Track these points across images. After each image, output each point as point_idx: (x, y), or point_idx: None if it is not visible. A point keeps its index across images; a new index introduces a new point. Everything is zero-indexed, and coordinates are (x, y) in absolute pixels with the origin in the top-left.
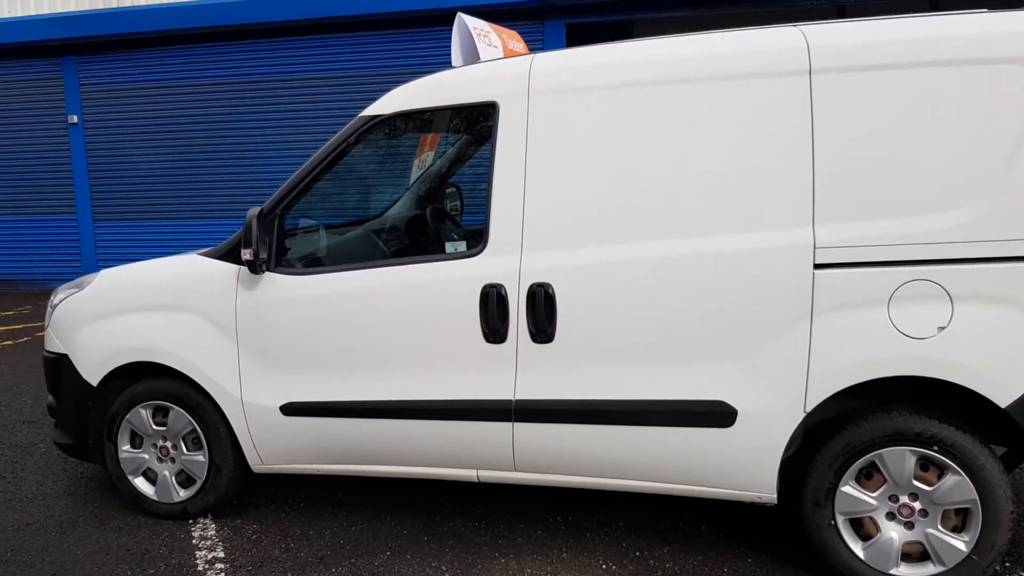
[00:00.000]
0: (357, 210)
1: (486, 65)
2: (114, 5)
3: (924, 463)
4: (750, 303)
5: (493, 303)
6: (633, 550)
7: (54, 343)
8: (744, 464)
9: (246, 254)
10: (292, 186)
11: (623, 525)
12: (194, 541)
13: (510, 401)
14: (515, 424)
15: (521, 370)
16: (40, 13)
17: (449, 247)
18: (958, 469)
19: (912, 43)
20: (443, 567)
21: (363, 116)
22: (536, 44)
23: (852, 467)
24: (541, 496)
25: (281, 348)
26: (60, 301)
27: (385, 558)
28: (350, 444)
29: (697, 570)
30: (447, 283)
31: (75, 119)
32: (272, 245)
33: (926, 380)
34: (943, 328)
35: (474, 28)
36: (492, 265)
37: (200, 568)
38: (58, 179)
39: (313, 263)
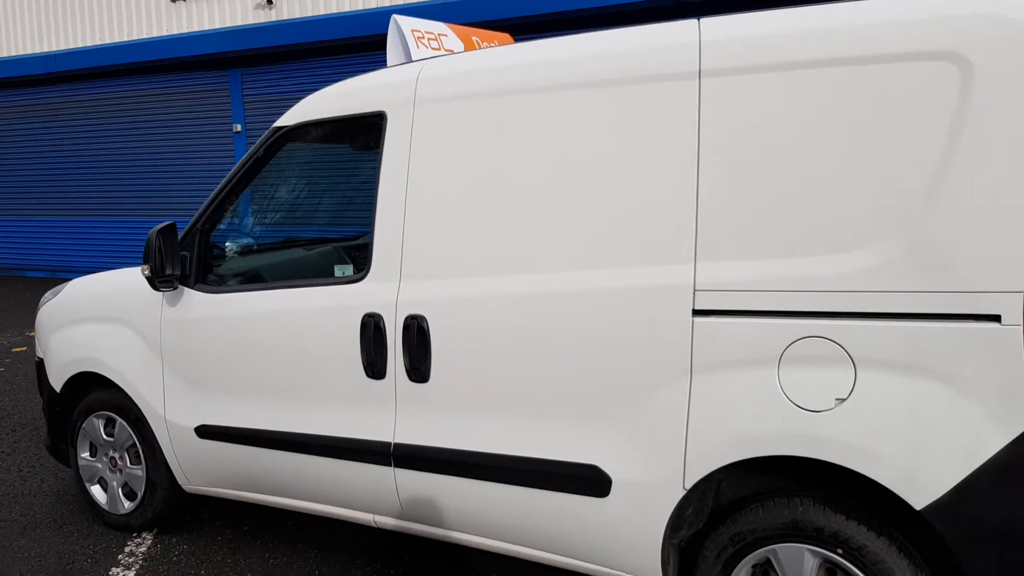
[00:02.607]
0: (295, 226)
1: (382, 71)
2: (274, 19)
3: (830, 568)
4: (624, 353)
5: (370, 335)
6: None
7: (37, 347)
8: (623, 541)
9: (144, 270)
10: (210, 201)
11: None
12: (120, 556)
13: (389, 444)
14: (396, 469)
15: (400, 410)
16: (210, 28)
17: (337, 270)
18: None
19: (818, 36)
20: None
21: (273, 127)
22: None
23: (744, 562)
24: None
25: (195, 368)
26: (42, 307)
27: None
28: (254, 473)
29: None
30: (331, 310)
31: (239, 127)
32: (191, 261)
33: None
34: (842, 400)
35: (413, 30)
36: (373, 292)
37: None
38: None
39: (231, 282)
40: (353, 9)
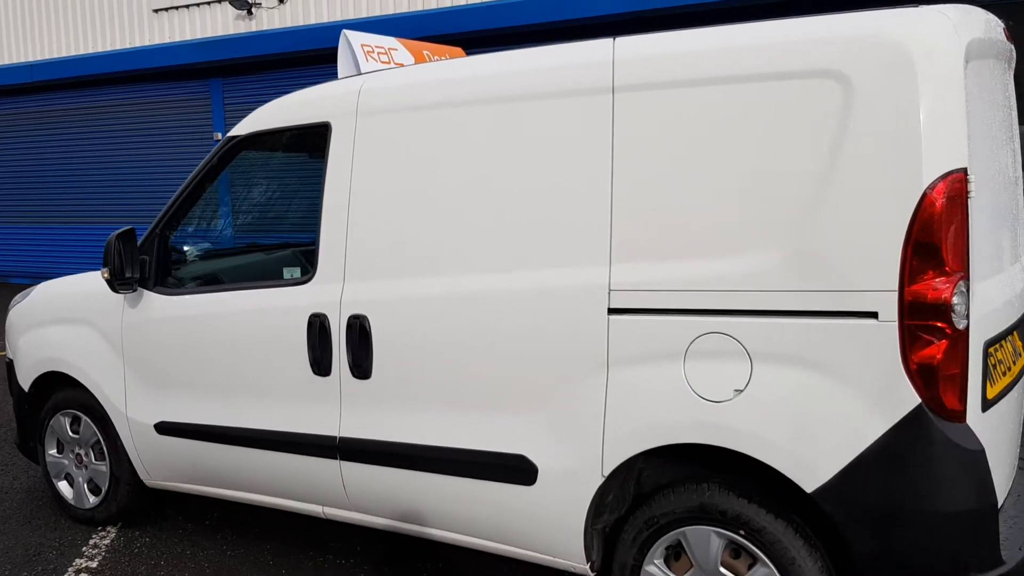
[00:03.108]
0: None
1: (328, 84)
2: (253, 29)
3: (735, 549)
4: (547, 349)
5: (316, 334)
6: None
7: (7, 349)
8: (549, 526)
9: (104, 273)
10: (168, 207)
11: None
12: (84, 549)
13: (335, 438)
14: (341, 462)
15: (344, 406)
16: (192, 38)
17: (286, 272)
18: (767, 561)
19: (717, 54)
20: None
21: (227, 136)
22: None
23: (657, 544)
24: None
25: (154, 366)
26: (11, 309)
27: None
28: (210, 468)
29: None
30: (280, 311)
31: (219, 136)
32: (151, 264)
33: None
34: (740, 391)
35: (362, 44)
36: (319, 293)
37: (67, 573)
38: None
39: (188, 284)
40: (331, 20)
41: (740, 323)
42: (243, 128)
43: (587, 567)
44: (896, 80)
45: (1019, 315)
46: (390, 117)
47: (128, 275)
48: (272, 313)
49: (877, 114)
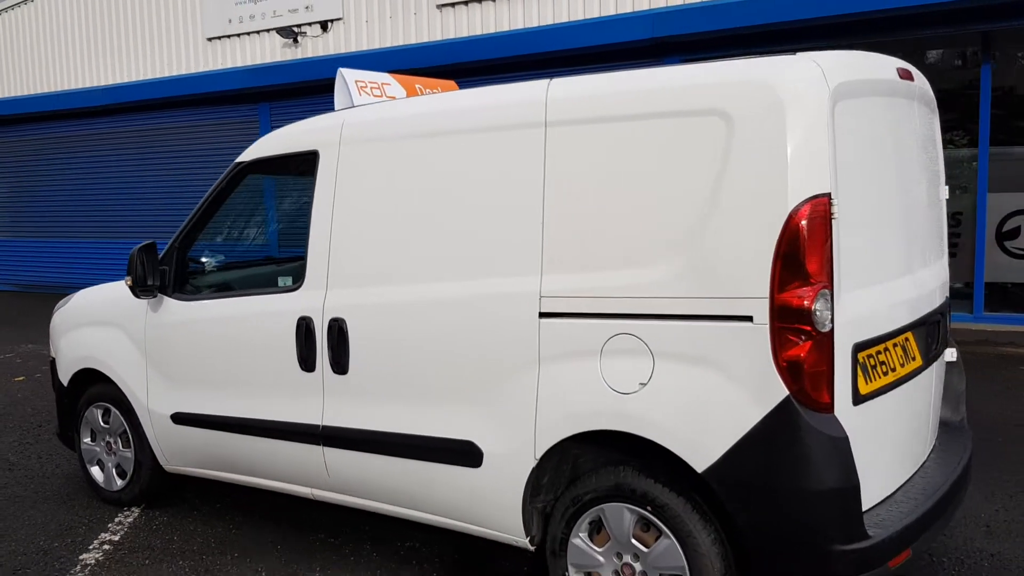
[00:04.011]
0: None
1: (319, 117)
2: (299, 56)
3: (645, 523)
4: (491, 348)
5: (302, 334)
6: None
7: (51, 348)
8: (493, 505)
9: (127, 281)
10: (186, 224)
11: (458, 559)
12: (109, 525)
13: (319, 426)
14: (324, 448)
15: (327, 398)
16: (242, 64)
17: (280, 281)
18: (669, 533)
19: (628, 95)
20: (261, 568)
21: (234, 162)
22: None
23: (581, 519)
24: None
25: (172, 363)
26: (55, 313)
27: (231, 558)
28: (217, 453)
29: None
30: (274, 314)
31: None
32: (170, 274)
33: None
34: (644, 384)
35: (356, 80)
36: (306, 299)
37: (92, 547)
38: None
39: (203, 291)
40: (370, 48)
41: (644, 325)
42: (248, 155)
43: (527, 541)
44: (768, 118)
45: (910, 320)
46: (366, 147)
47: (150, 283)
48: (268, 316)
49: (753, 147)
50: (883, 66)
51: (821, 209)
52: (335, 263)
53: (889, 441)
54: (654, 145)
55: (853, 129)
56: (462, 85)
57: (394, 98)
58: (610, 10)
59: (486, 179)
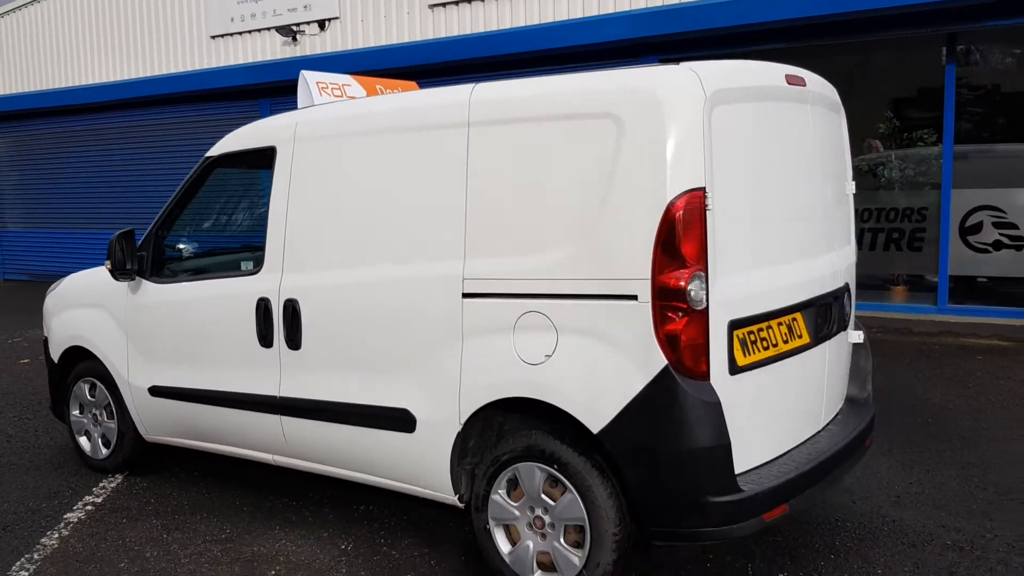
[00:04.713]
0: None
1: (279, 115)
2: (297, 54)
3: (553, 480)
4: (422, 325)
5: (261, 314)
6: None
7: (44, 328)
8: (426, 466)
9: (107, 265)
10: (162, 213)
11: (406, 519)
12: (94, 489)
13: (276, 397)
14: (281, 417)
15: (283, 371)
16: (244, 62)
17: (243, 265)
18: (571, 488)
19: (531, 100)
20: (227, 527)
21: (204, 156)
22: None
23: (500, 477)
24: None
25: (148, 340)
26: (47, 296)
27: (200, 518)
28: (189, 423)
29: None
30: (237, 296)
31: None
32: (148, 259)
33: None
34: (549, 356)
35: (318, 82)
36: (265, 282)
37: (76, 508)
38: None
39: (176, 275)
40: (365, 46)
41: (549, 304)
42: (216, 150)
43: (455, 499)
44: (651, 121)
45: (796, 301)
46: (317, 144)
47: (128, 267)
48: (232, 298)
49: (639, 146)
50: (769, 73)
51: (696, 201)
52: (290, 249)
53: (771, 409)
54: (557, 144)
55: (732, 130)
56: (452, 82)
57: (353, 97)
58: (594, 10)
59: (419, 173)
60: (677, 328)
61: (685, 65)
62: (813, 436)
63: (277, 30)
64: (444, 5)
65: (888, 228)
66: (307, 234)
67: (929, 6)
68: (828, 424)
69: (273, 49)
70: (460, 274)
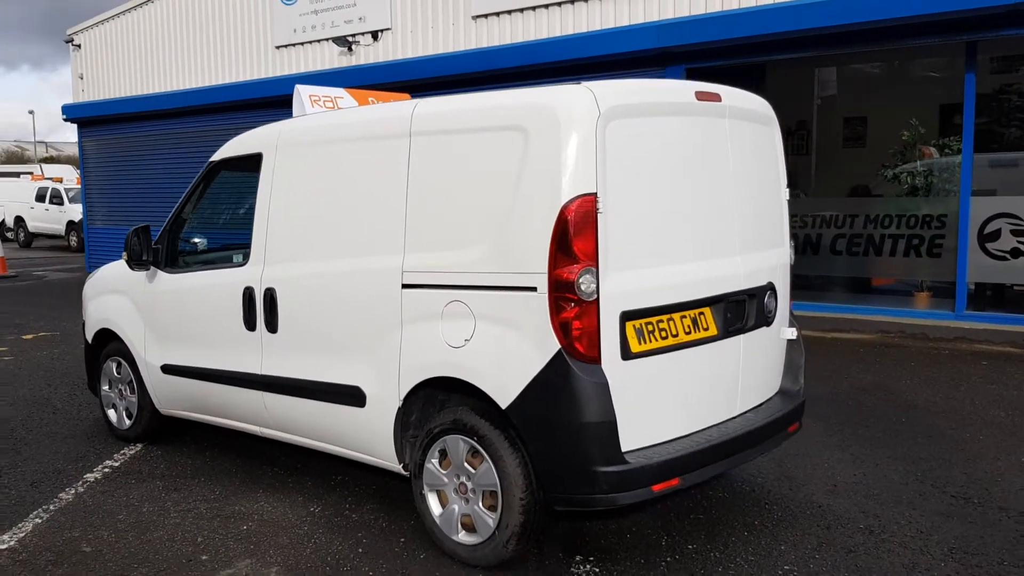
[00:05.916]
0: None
1: (268, 125)
2: (353, 63)
3: (474, 451)
4: (371, 311)
5: (245, 300)
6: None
7: (83, 313)
8: (374, 437)
9: (124, 256)
10: (175, 211)
11: (374, 489)
12: (115, 455)
13: (258, 375)
14: (263, 393)
15: (264, 352)
16: (305, 71)
17: (235, 258)
18: (488, 458)
19: (456, 114)
20: (218, 489)
21: (209, 160)
22: None
23: (432, 448)
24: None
25: (161, 323)
26: (86, 283)
27: (197, 481)
28: (195, 398)
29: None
30: (228, 284)
31: None
32: (162, 252)
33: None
34: (468, 340)
35: (310, 95)
36: (250, 272)
37: (96, 470)
38: None
39: (187, 266)
40: (415, 55)
41: (468, 294)
42: (218, 155)
43: (400, 467)
44: (550, 133)
45: (700, 296)
46: (295, 151)
47: (144, 258)
48: (224, 286)
49: (540, 156)
50: (675, 91)
51: (588, 205)
52: (270, 243)
53: (669, 392)
54: (477, 153)
55: (628, 142)
56: (491, 88)
57: (341, 108)
58: (624, 21)
59: (371, 177)
60: (569, 316)
61: (585, 84)
62: (725, 421)
63: (334, 40)
64: (486, 16)
65: (908, 235)
66: (283, 230)
67: (947, 15)
68: (747, 411)
69: (332, 58)
70: (400, 267)
